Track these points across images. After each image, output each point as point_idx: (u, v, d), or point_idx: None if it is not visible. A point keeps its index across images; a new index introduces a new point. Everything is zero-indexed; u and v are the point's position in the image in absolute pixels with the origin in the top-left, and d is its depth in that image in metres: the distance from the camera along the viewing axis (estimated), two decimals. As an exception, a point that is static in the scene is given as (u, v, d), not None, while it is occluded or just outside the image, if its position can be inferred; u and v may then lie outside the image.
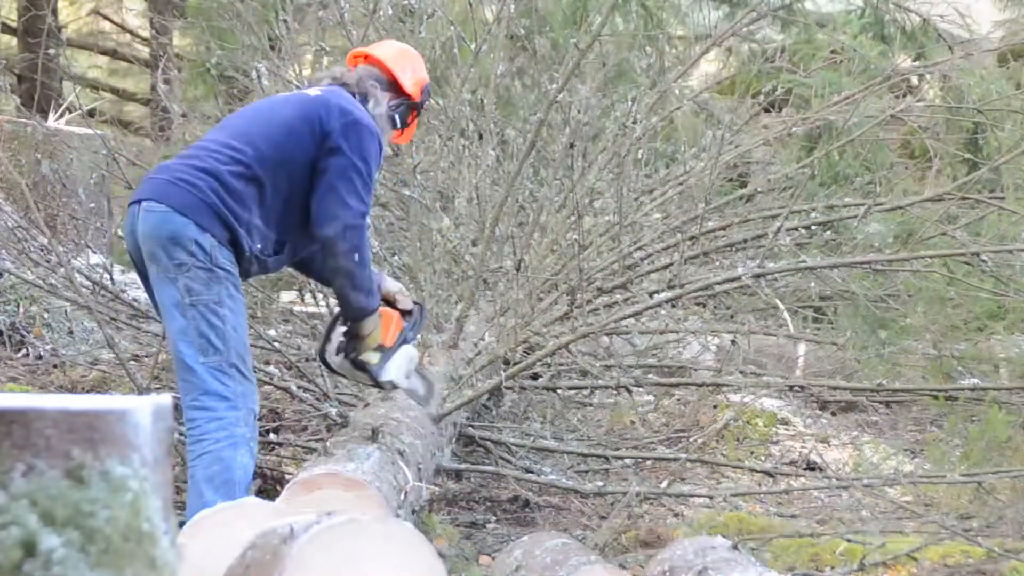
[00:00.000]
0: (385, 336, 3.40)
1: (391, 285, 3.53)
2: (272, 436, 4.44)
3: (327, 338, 3.49)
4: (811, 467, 5.34)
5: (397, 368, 3.41)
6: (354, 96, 3.41)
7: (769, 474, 4.59)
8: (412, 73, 3.56)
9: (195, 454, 3.05)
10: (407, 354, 3.45)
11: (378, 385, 3.45)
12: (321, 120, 3.25)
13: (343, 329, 3.40)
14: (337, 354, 3.43)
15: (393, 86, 3.50)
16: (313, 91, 3.41)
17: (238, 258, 3.18)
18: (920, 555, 3.48)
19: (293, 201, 3.25)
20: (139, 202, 3.16)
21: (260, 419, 4.17)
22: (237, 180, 3.16)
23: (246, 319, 3.23)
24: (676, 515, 4.45)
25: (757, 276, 4.24)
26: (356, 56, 3.62)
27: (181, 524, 2.77)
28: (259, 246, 3.23)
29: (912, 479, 4.10)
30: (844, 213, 5.30)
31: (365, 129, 3.29)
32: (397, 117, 3.51)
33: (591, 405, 5.62)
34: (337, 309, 3.48)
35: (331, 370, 3.57)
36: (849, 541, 3.56)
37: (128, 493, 0.91)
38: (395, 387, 3.46)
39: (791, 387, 5.44)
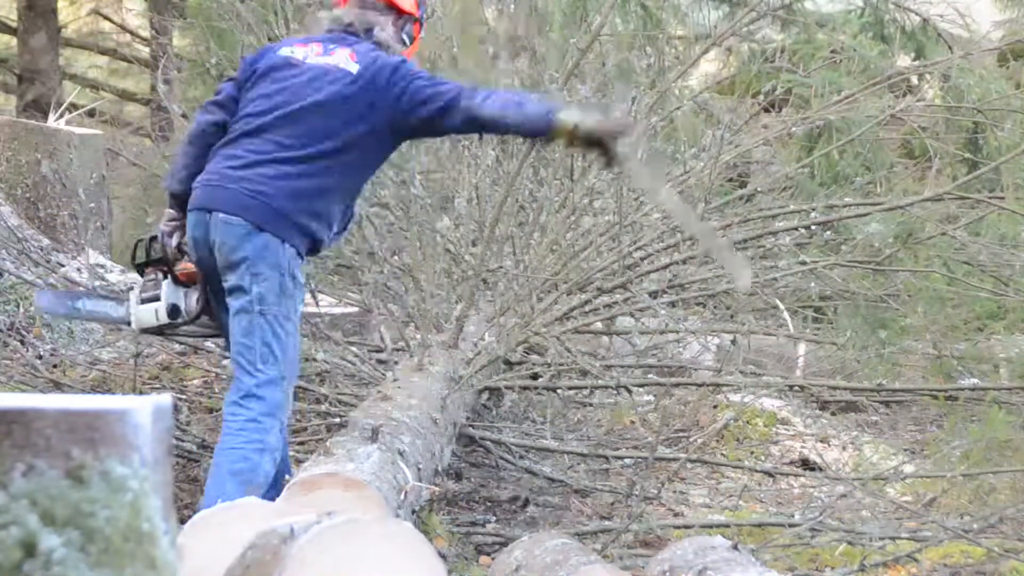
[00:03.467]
0: None
1: None
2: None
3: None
4: (808, 465, 5.34)
5: None
6: (359, 36, 3.44)
7: (769, 474, 4.59)
8: None
9: (226, 446, 3.15)
10: None
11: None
12: (369, 97, 3.29)
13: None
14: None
15: (389, 7, 3.52)
16: (348, 62, 3.36)
17: (313, 251, 3.32)
18: (920, 555, 3.49)
19: (356, 170, 3.36)
20: (210, 211, 3.23)
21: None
22: (309, 180, 3.24)
23: None
24: (676, 515, 4.44)
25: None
26: None
27: (196, 509, 2.92)
28: (335, 230, 3.35)
29: (914, 476, 4.10)
30: (844, 213, 5.30)
31: (405, 62, 3.36)
32: (405, 36, 3.55)
33: (591, 405, 5.61)
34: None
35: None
36: (850, 544, 3.56)
37: (128, 493, 0.91)
38: None
39: (791, 387, 5.44)
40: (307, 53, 3.43)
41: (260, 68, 3.44)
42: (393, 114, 3.29)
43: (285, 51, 3.47)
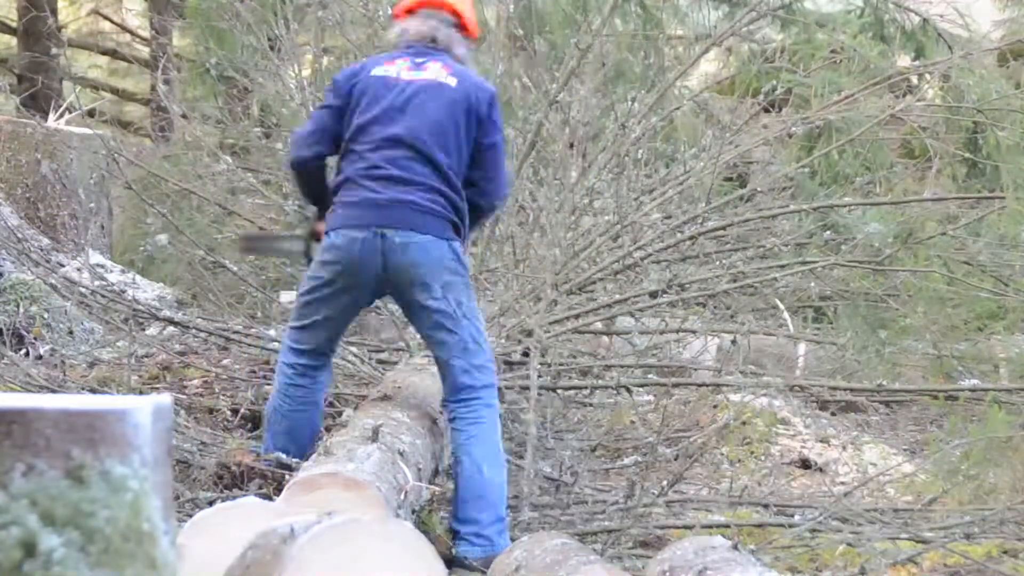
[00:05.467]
0: None
1: None
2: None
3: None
4: (808, 465, 5.34)
5: None
6: (444, 51, 3.67)
7: (769, 474, 4.58)
8: (471, 14, 3.84)
9: (470, 435, 3.51)
10: None
11: None
12: (472, 113, 3.57)
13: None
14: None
15: (459, 26, 3.75)
16: (446, 78, 3.60)
17: None
18: (920, 557, 3.49)
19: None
20: (378, 231, 3.46)
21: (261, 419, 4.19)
22: (455, 193, 3.54)
23: None
24: (676, 515, 4.44)
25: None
26: (413, 4, 3.77)
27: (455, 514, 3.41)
28: (469, 243, 3.78)
29: (914, 476, 4.10)
30: (844, 213, 5.31)
31: (497, 97, 3.71)
32: (468, 55, 3.83)
33: (591, 405, 5.61)
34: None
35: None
36: (850, 545, 3.56)
37: (128, 493, 0.91)
38: None
39: (791, 387, 5.44)
40: (399, 70, 3.64)
41: (356, 91, 3.63)
42: (483, 139, 3.62)
43: (378, 71, 3.66)
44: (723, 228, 5.44)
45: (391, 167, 3.50)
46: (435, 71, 3.61)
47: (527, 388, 4.85)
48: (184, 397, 4.67)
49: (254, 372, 4.94)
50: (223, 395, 4.80)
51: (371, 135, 3.55)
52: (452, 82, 3.58)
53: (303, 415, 3.68)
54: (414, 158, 3.50)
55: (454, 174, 3.54)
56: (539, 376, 4.79)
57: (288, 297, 5.74)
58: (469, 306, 3.54)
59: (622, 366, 5.02)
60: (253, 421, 4.51)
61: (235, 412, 4.56)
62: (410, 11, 3.74)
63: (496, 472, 3.48)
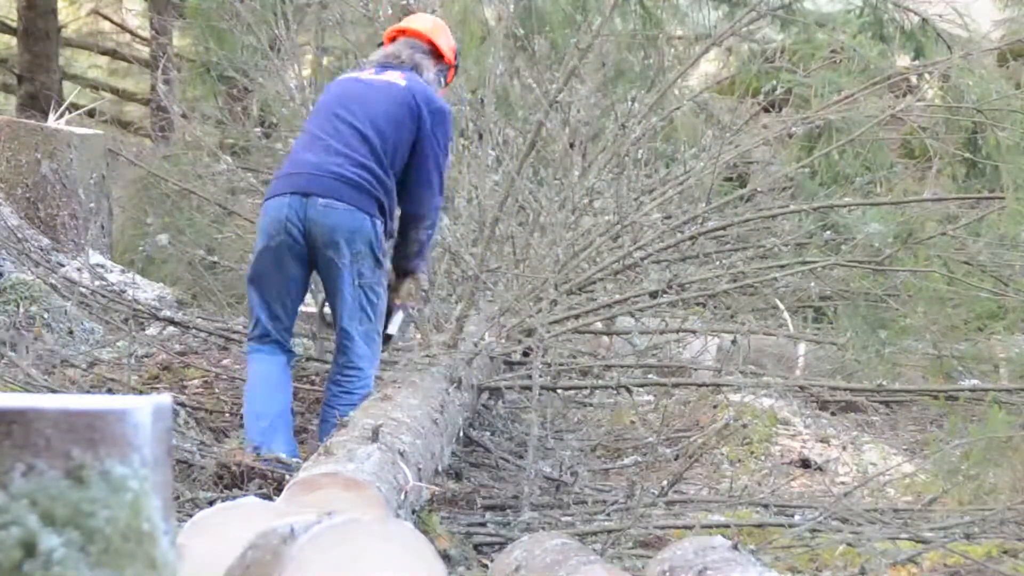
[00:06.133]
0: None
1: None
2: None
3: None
4: (808, 465, 5.34)
5: (394, 324, 4.23)
6: (408, 67, 4.06)
7: (769, 474, 4.58)
8: (446, 40, 4.24)
9: (341, 401, 3.81)
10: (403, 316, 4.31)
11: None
12: (412, 109, 3.91)
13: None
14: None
15: (433, 53, 4.16)
16: (398, 79, 3.99)
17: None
18: (920, 557, 3.48)
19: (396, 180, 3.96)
20: (307, 195, 3.79)
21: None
22: (384, 174, 3.86)
23: None
24: (676, 515, 4.44)
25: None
26: (395, 32, 4.25)
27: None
28: (392, 225, 4.00)
29: (913, 476, 4.10)
30: (844, 213, 5.30)
31: (449, 116, 4.04)
32: (442, 79, 4.20)
33: (591, 405, 5.61)
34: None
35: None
36: (850, 545, 3.56)
37: (128, 493, 0.91)
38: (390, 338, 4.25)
39: (791, 387, 5.44)
40: (360, 74, 4.11)
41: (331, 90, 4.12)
42: (418, 141, 3.94)
43: (345, 75, 4.17)
44: (723, 228, 5.43)
45: (331, 139, 3.85)
46: (392, 76, 4.01)
47: (528, 388, 4.85)
48: (184, 397, 4.67)
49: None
50: (223, 395, 4.80)
51: (320, 116, 3.97)
52: (401, 83, 3.97)
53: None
54: (354, 135, 3.85)
55: (388, 157, 3.86)
56: (539, 376, 4.79)
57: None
58: (371, 281, 3.86)
59: (622, 366, 5.02)
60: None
61: (235, 412, 4.56)
62: (392, 39, 4.21)
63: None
